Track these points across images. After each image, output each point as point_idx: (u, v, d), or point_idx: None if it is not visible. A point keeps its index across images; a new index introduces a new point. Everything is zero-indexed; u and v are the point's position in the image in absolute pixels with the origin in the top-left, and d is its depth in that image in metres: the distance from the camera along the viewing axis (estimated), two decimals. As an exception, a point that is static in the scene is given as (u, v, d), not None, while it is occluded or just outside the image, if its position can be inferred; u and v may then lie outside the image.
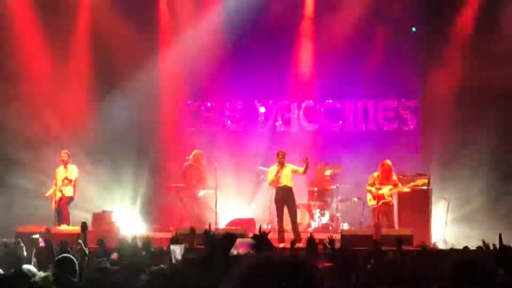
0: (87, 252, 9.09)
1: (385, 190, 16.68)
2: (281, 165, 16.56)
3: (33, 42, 20.18)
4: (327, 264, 7.73)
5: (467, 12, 19.61)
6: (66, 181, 17.33)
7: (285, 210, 16.75)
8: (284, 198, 16.63)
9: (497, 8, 19.25)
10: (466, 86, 18.96)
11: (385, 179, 16.73)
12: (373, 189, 16.71)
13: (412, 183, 16.87)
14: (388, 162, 16.86)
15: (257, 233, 5.18)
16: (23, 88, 19.90)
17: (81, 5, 20.65)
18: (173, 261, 7.70)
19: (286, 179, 16.58)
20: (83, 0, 20.66)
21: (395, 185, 16.73)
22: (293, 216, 16.62)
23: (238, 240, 5.34)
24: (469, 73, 18.95)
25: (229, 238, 4.80)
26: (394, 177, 16.82)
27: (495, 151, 18.60)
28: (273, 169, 16.68)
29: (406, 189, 16.81)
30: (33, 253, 9.55)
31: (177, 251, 8.10)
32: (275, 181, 16.63)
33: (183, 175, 19.26)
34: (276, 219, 16.87)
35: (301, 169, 16.59)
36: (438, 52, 19.71)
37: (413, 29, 20.25)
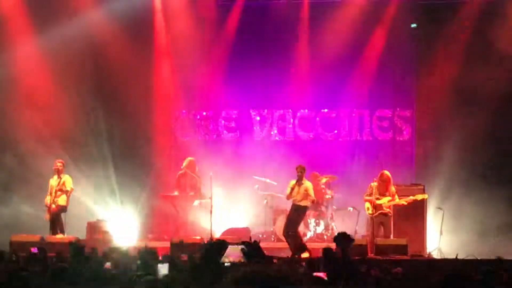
0: None
1: (384, 201, 16.63)
2: (299, 180, 16.50)
3: (29, 53, 20.13)
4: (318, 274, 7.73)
5: (462, 21, 19.66)
6: (59, 192, 17.24)
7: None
8: (290, 213, 16.73)
9: (489, 19, 19.33)
10: (461, 96, 19.02)
11: (383, 189, 16.69)
12: (372, 198, 16.65)
13: (412, 197, 16.80)
14: (387, 172, 16.83)
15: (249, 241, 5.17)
16: (19, 99, 19.88)
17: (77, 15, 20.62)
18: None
19: (300, 197, 16.55)
20: (79, 10, 20.62)
21: (393, 196, 16.68)
22: (286, 227, 16.62)
23: (230, 248, 5.36)
24: (464, 82, 19.02)
25: (220, 245, 4.82)
26: (393, 188, 16.79)
27: (489, 161, 18.65)
28: (291, 184, 16.62)
29: (403, 202, 16.74)
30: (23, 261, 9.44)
31: (162, 270, 8.09)
32: (289, 196, 16.65)
33: (177, 183, 19.25)
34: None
35: (311, 199, 16.57)
36: (433, 62, 19.76)
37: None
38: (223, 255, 4.77)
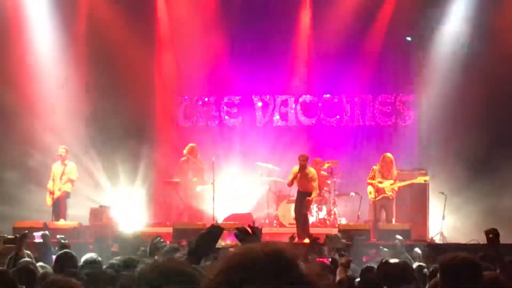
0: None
1: (386, 184, 16.66)
2: (303, 169, 16.50)
3: (32, 39, 20.18)
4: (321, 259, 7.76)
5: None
6: (65, 178, 17.31)
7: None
8: (296, 202, 16.77)
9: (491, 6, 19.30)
10: (464, 79, 19.00)
11: (386, 172, 16.71)
12: (374, 182, 16.69)
13: (414, 180, 16.83)
14: (389, 155, 16.86)
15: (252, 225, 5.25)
16: (22, 86, 19.89)
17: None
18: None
19: (304, 184, 16.58)
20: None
21: (395, 179, 16.71)
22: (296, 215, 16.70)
23: (225, 232, 5.38)
24: (466, 65, 19.02)
25: (215, 229, 4.83)
26: (395, 171, 16.81)
27: (491, 146, 18.62)
28: (294, 170, 16.63)
29: (406, 183, 16.76)
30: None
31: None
32: (290, 183, 16.67)
33: (180, 169, 19.27)
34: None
35: (314, 193, 16.63)
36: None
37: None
38: (217, 240, 4.79)
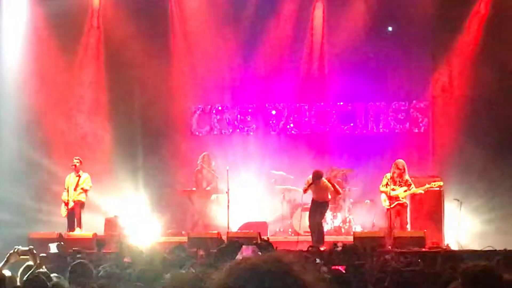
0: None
1: (400, 191, 16.62)
2: (316, 184, 16.51)
3: (47, 48, 20.30)
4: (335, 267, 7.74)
5: (476, 14, 19.60)
6: (80, 190, 17.35)
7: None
8: (310, 211, 16.77)
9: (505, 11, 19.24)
10: (478, 86, 18.95)
11: (398, 179, 16.68)
12: (387, 190, 16.66)
13: (428, 185, 16.78)
14: (401, 161, 16.82)
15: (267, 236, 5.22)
16: (36, 93, 20.03)
17: (92, 10, 20.73)
18: None
19: (318, 194, 16.60)
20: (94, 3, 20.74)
21: (409, 186, 16.67)
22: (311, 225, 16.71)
23: (244, 246, 5.42)
24: (479, 72, 18.95)
25: (234, 244, 4.86)
26: (407, 177, 16.77)
27: (506, 152, 18.55)
28: (309, 179, 16.64)
29: (420, 190, 16.73)
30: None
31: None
32: (306, 190, 16.71)
33: (194, 178, 19.32)
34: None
35: (331, 192, 16.67)
36: (448, 52, 19.70)
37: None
38: (236, 254, 4.81)
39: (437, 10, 19.48)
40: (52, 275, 8.05)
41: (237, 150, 20.23)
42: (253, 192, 19.81)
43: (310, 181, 16.43)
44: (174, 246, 10.99)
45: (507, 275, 5.59)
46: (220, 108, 21.19)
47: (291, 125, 20.91)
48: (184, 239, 16.24)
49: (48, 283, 7.19)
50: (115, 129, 20.24)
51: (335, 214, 18.68)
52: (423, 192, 16.75)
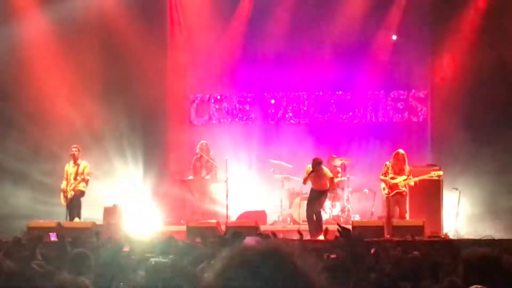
0: None
1: (399, 179, 16.62)
2: (316, 170, 16.50)
3: (44, 40, 20.25)
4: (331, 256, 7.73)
5: (475, 4, 19.58)
6: (79, 178, 17.31)
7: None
8: (309, 200, 16.80)
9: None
10: (477, 76, 18.92)
11: (398, 168, 16.68)
12: (387, 178, 16.65)
13: (427, 175, 16.78)
14: (402, 151, 16.82)
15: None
16: (36, 83, 19.98)
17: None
18: None
19: (318, 183, 16.60)
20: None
21: (408, 175, 16.67)
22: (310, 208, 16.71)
23: (247, 238, 5.43)
24: (478, 62, 18.92)
25: (237, 236, 4.87)
26: (407, 166, 16.77)
27: (505, 142, 18.54)
28: (308, 168, 16.65)
29: (420, 178, 16.72)
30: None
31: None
32: (306, 181, 16.72)
33: (193, 167, 19.33)
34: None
35: (330, 181, 16.70)
36: (447, 42, 19.68)
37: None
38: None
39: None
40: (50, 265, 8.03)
41: (236, 139, 20.22)
42: (252, 181, 19.83)
43: (310, 170, 16.43)
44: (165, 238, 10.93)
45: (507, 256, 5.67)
46: (218, 97, 21.18)
47: (290, 114, 20.91)
48: (183, 228, 16.27)
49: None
50: (114, 118, 20.17)
51: (333, 203, 18.71)
52: (420, 180, 16.72)
